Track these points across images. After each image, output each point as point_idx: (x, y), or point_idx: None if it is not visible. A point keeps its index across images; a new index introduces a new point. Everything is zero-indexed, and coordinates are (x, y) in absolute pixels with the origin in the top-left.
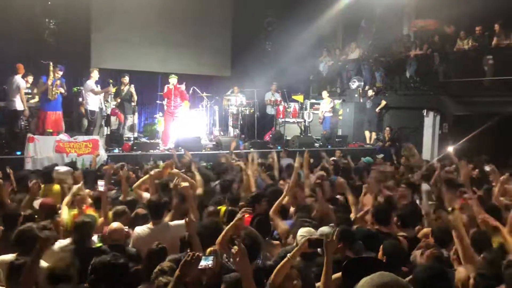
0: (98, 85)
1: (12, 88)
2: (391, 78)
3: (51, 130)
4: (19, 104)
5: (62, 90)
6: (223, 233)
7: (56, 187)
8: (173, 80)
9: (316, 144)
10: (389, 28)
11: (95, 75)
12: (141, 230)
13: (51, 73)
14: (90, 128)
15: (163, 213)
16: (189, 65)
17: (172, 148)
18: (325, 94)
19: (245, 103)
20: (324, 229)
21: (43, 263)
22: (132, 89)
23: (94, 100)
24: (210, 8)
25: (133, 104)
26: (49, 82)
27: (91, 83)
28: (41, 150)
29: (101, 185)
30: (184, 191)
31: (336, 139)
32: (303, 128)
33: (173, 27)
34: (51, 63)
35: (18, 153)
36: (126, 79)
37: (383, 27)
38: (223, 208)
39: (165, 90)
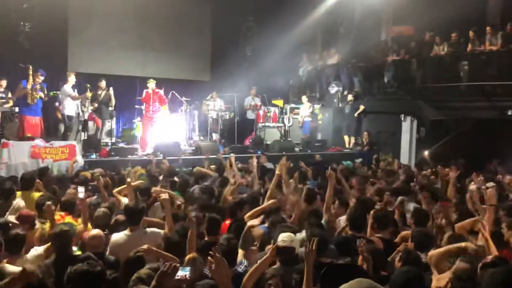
0: (75, 90)
1: None
2: (369, 83)
3: (29, 135)
4: None
5: (42, 95)
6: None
7: (36, 194)
8: (151, 84)
9: (296, 149)
10: (367, 34)
11: (72, 79)
12: (118, 236)
13: (31, 77)
14: (67, 133)
15: (140, 219)
16: (168, 70)
17: (150, 154)
18: (304, 99)
19: (224, 107)
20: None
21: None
22: (111, 92)
23: (71, 105)
24: (189, 12)
25: (110, 108)
26: (29, 86)
27: (68, 87)
28: (15, 156)
29: (80, 191)
30: (163, 203)
31: (316, 144)
32: (283, 133)
33: (151, 31)
34: (30, 67)
35: None
36: (103, 83)
37: (361, 33)
38: None
39: (144, 95)
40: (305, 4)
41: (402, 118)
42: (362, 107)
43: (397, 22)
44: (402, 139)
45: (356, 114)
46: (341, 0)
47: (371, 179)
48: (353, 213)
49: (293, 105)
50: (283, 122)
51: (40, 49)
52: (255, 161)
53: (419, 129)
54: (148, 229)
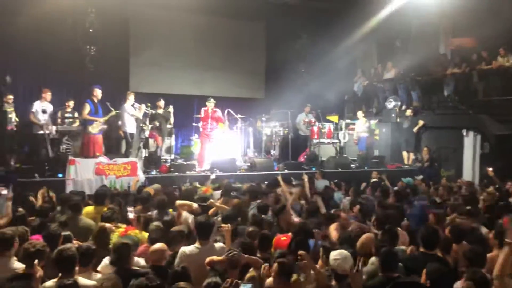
0: (136, 108)
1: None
2: (428, 97)
3: (98, 154)
4: (35, 128)
5: (114, 113)
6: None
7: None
8: (211, 104)
9: (352, 165)
10: (424, 47)
11: (131, 98)
12: (188, 249)
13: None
14: (129, 151)
15: (210, 233)
16: (224, 88)
17: (207, 170)
18: (360, 114)
19: (279, 124)
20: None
21: (88, 282)
22: (171, 110)
23: (131, 123)
24: (244, 31)
25: (170, 126)
26: (101, 120)
27: (127, 106)
28: (81, 172)
29: (130, 211)
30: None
31: (373, 160)
32: (338, 149)
33: (208, 50)
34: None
35: (60, 175)
36: (162, 102)
37: (418, 46)
38: None
39: (202, 113)
40: (359, 17)
41: (465, 133)
42: (421, 122)
43: (456, 34)
44: (465, 155)
45: (415, 130)
46: (396, 12)
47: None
48: (426, 231)
49: (348, 121)
50: (338, 138)
51: (103, 70)
52: (306, 177)
53: (483, 145)
54: (216, 244)
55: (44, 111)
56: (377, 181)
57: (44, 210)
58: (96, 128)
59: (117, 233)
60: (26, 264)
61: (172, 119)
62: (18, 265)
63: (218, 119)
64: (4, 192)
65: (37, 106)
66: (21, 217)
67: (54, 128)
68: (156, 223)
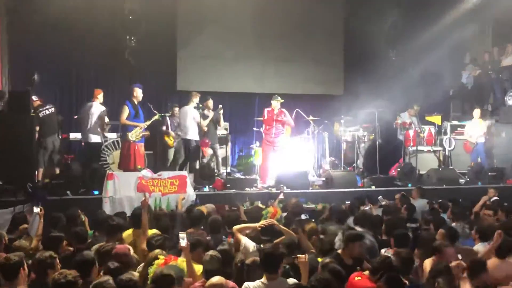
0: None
1: (87, 118)
2: None
3: (140, 167)
4: (95, 136)
5: (158, 116)
6: None
7: (150, 232)
8: (276, 104)
9: (461, 180)
10: None
11: (195, 100)
12: (253, 285)
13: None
14: (193, 163)
15: (279, 266)
16: (291, 83)
17: (272, 186)
18: (477, 113)
19: (363, 127)
20: None
21: None
22: (221, 112)
23: (194, 129)
24: (316, 13)
25: (224, 132)
26: (142, 126)
27: (191, 109)
28: (121, 189)
29: (182, 238)
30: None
31: (490, 174)
32: (442, 159)
33: (271, 39)
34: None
35: (96, 192)
36: (210, 102)
37: None
38: None
39: (265, 114)
40: None
41: None
42: None
43: None
44: None
45: None
46: None
47: None
48: None
49: (455, 122)
50: (441, 144)
51: (145, 65)
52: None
53: None
54: (290, 280)
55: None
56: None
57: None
58: (137, 135)
59: (156, 263)
60: None
61: (222, 123)
62: None
63: (285, 122)
64: (36, 210)
65: (98, 109)
66: (56, 239)
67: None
68: (212, 252)
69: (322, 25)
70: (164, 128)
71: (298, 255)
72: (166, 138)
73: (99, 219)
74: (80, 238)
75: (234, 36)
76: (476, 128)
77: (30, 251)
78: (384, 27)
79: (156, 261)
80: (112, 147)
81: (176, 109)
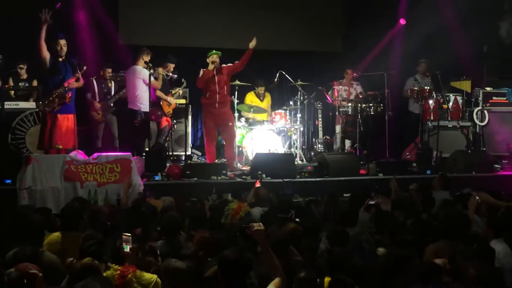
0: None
1: None
2: None
3: (59, 146)
4: None
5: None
6: None
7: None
8: (215, 60)
9: (497, 166)
10: None
11: (145, 57)
12: None
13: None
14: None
15: (245, 278)
16: (273, 37)
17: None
18: None
19: (368, 96)
20: None
21: None
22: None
23: (146, 98)
24: None
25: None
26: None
27: (140, 69)
28: (42, 177)
29: (126, 241)
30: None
31: None
32: (471, 138)
33: None
34: None
35: (8, 181)
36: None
37: None
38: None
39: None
40: None
41: None
42: None
43: None
44: None
45: None
46: None
47: None
48: None
49: (489, 89)
50: (471, 119)
51: None
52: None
53: None
54: None
55: None
56: None
57: None
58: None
59: (111, 276)
60: None
61: (180, 91)
62: None
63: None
64: None
65: None
66: None
67: None
68: (176, 262)
69: None
70: (88, 96)
71: (251, 224)
72: (91, 111)
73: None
74: None
75: None
76: None
77: None
78: None
79: (109, 272)
80: (31, 120)
81: (109, 70)
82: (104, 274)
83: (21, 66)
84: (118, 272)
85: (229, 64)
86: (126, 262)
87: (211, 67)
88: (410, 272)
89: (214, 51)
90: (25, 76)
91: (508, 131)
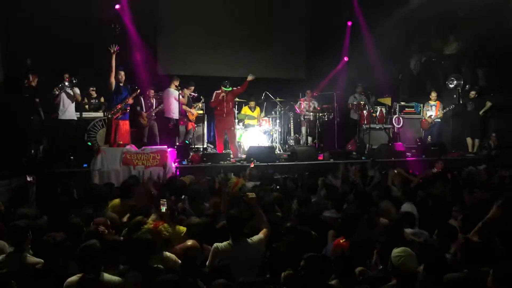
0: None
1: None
2: (498, 75)
3: (120, 142)
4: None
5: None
6: None
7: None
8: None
9: (408, 154)
10: (494, 17)
11: (176, 83)
12: (221, 246)
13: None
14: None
15: (243, 229)
16: (260, 68)
17: (243, 160)
18: (434, 95)
19: (321, 108)
20: None
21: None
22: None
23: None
24: (282, 4)
25: (200, 112)
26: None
27: (172, 90)
28: (108, 162)
29: (162, 204)
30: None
31: (432, 148)
32: (391, 135)
33: (240, 26)
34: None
35: (85, 165)
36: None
37: (485, 16)
38: None
39: (213, 97)
40: None
41: None
42: (488, 104)
43: None
44: None
45: (481, 113)
46: None
47: None
48: None
49: (403, 103)
50: (391, 123)
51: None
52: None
53: None
54: (251, 240)
55: None
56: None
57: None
58: (115, 112)
59: (146, 227)
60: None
61: (200, 105)
62: (33, 260)
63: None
64: (29, 178)
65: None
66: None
67: None
68: (196, 219)
69: (288, 16)
70: (138, 108)
71: (247, 193)
72: (140, 118)
73: (89, 189)
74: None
75: (208, 25)
76: (434, 109)
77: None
78: (342, 19)
79: (145, 226)
80: (100, 125)
81: (152, 91)
82: (145, 226)
83: (92, 88)
84: (152, 225)
85: (234, 89)
86: (163, 219)
87: (221, 95)
88: (360, 224)
89: (226, 87)
90: (94, 95)
91: (415, 130)
